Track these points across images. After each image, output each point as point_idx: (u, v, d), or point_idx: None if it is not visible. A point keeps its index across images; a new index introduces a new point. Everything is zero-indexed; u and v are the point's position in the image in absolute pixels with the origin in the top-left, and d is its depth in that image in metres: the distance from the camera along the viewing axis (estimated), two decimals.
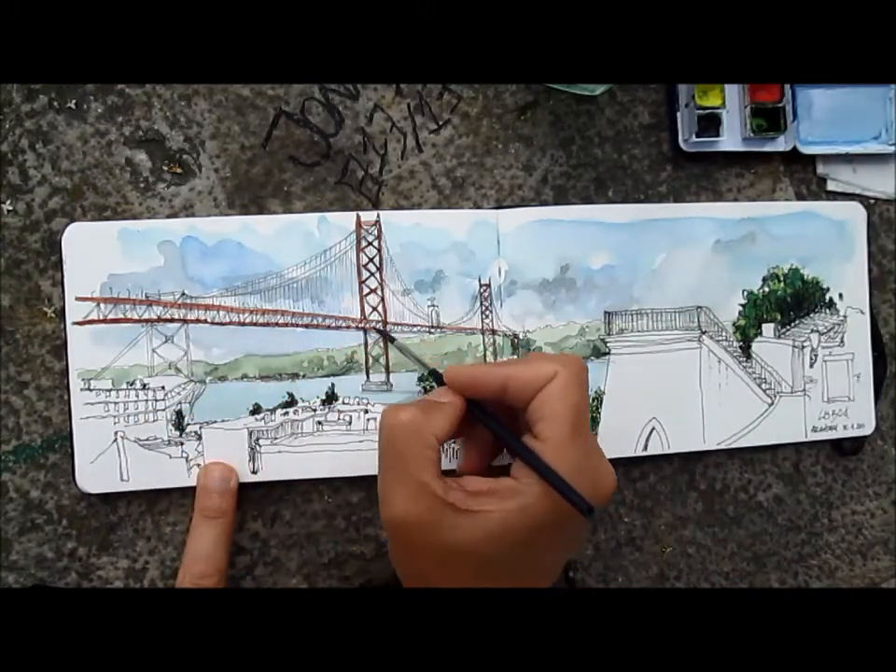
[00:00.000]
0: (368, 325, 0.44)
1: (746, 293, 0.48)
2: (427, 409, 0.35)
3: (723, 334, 0.48)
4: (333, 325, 0.44)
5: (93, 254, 0.42)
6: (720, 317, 0.48)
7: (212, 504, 0.41)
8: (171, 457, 0.42)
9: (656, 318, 0.47)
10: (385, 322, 0.44)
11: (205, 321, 0.43)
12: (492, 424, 0.37)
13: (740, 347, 0.48)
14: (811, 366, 0.49)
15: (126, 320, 0.42)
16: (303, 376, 0.43)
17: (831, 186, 0.50)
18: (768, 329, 0.48)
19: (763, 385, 0.48)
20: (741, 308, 0.48)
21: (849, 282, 0.49)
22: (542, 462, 0.34)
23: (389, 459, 0.35)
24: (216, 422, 0.43)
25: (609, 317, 0.47)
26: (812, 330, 0.49)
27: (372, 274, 0.44)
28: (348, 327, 0.44)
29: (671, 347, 0.47)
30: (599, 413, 0.46)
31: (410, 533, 0.34)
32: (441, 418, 0.35)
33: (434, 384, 0.42)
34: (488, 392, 0.36)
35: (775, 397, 0.48)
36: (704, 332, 0.48)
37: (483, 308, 0.45)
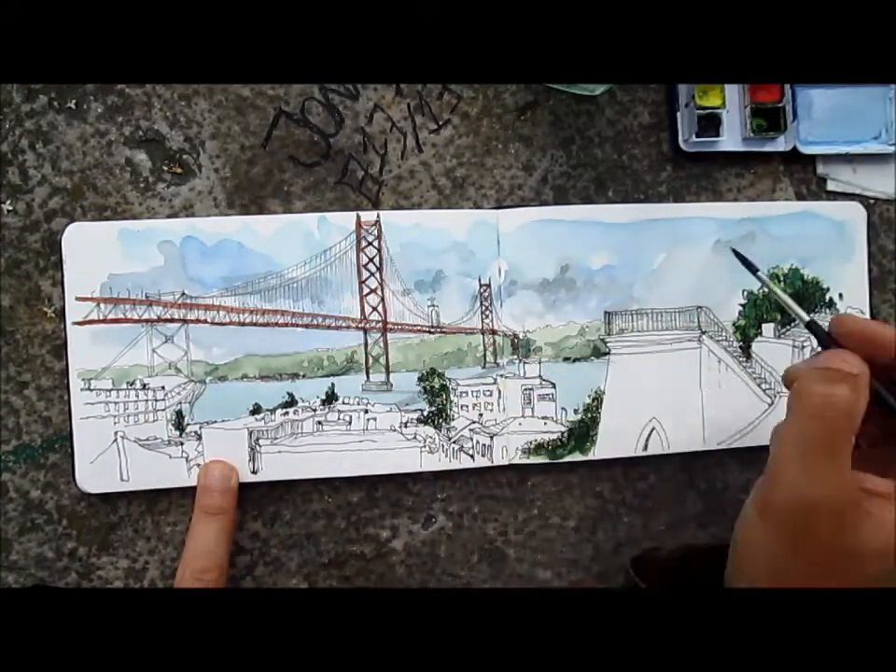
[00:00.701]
0: (367, 325, 0.44)
1: (746, 293, 0.48)
2: (856, 387, 0.31)
3: (723, 334, 0.48)
4: (333, 325, 0.44)
5: (93, 254, 0.42)
6: (720, 317, 0.48)
7: (212, 502, 0.41)
8: (171, 457, 0.42)
9: (656, 318, 0.47)
10: (384, 322, 0.44)
11: (205, 321, 0.43)
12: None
13: (740, 347, 0.48)
14: None
15: (126, 320, 0.42)
16: (303, 376, 0.43)
17: (831, 186, 0.50)
18: (768, 328, 0.48)
19: (763, 385, 0.48)
20: (741, 308, 0.48)
21: (849, 282, 0.49)
22: None
23: (814, 437, 0.31)
24: (216, 422, 0.43)
25: (609, 317, 0.47)
26: None
27: (372, 274, 0.44)
28: (348, 327, 0.44)
29: (671, 347, 0.47)
30: (599, 413, 0.46)
31: (815, 523, 0.30)
32: (863, 398, 0.31)
33: None
34: (886, 353, 0.31)
35: (775, 397, 0.48)
36: (704, 332, 0.48)
37: (483, 308, 0.45)
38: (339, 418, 0.44)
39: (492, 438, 0.45)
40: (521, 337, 0.46)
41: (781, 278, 0.48)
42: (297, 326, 0.43)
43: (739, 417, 0.48)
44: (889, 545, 0.30)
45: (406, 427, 0.44)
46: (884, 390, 0.32)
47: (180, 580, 0.39)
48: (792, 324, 0.49)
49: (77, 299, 0.41)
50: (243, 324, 0.43)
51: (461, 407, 0.45)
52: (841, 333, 0.33)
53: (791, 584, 0.32)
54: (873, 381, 0.31)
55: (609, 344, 0.46)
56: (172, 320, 0.42)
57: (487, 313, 0.45)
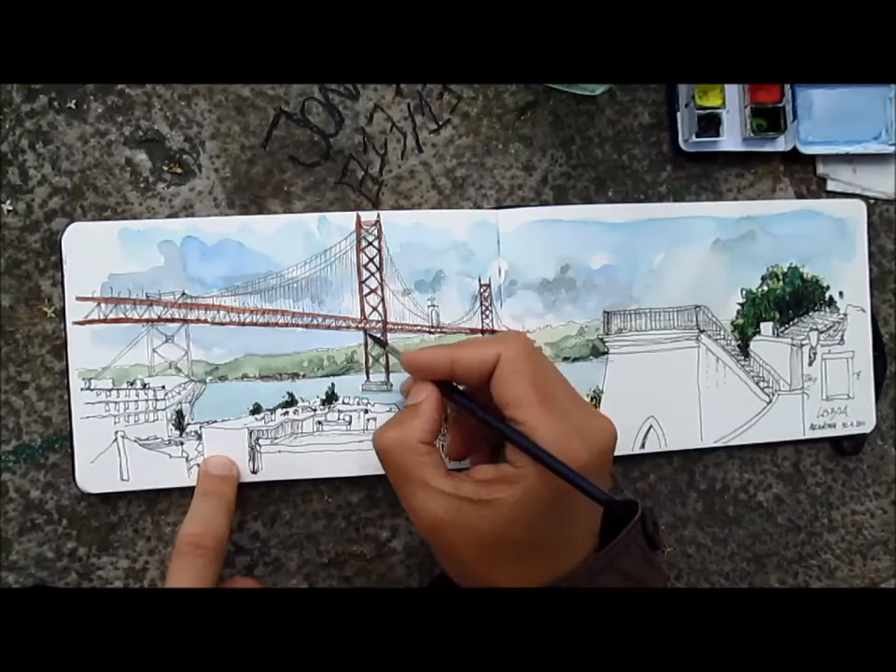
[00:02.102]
0: (367, 325, 0.44)
1: (745, 292, 0.48)
2: (404, 420, 0.37)
3: (722, 333, 0.48)
4: (333, 325, 0.44)
5: (93, 254, 0.42)
6: (718, 316, 0.48)
7: (212, 485, 0.41)
8: (171, 457, 0.42)
9: (655, 318, 0.47)
10: (384, 322, 0.44)
11: (206, 321, 0.43)
12: (472, 407, 0.37)
13: (738, 346, 0.48)
14: (810, 364, 0.49)
15: (126, 320, 0.42)
16: (303, 376, 0.43)
17: (831, 186, 0.50)
18: (766, 327, 0.49)
19: (762, 384, 0.48)
20: (739, 307, 0.48)
21: (850, 279, 0.49)
22: (526, 438, 0.34)
23: (395, 479, 0.36)
24: (216, 422, 0.43)
25: (608, 317, 0.47)
26: (811, 329, 0.49)
27: (372, 274, 0.44)
28: (348, 327, 0.44)
29: (669, 346, 0.47)
30: None
31: (442, 536, 0.35)
32: (420, 423, 0.36)
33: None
34: (439, 373, 0.37)
35: (773, 395, 0.48)
36: (702, 331, 0.48)
37: (483, 308, 0.45)
38: (339, 418, 0.44)
39: None
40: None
41: (780, 277, 0.48)
42: (297, 326, 0.43)
43: (737, 415, 0.48)
44: (513, 517, 0.34)
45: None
46: (463, 400, 0.37)
47: (177, 551, 0.38)
48: (791, 322, 0.49)
49: (78, 299, 0.41)
50: (243, 324, 0.43)
51: None
52: (406, 362, 0.38)
53: (472, 582, 0.36)
54: (449, 397, 0.37)
55: (607, 344, 0.47)
56: (172, 320, 0.42)
57: (487, 313, 0.45)
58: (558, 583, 0.35)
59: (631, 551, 0.36)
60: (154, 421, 0.42)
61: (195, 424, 0.43)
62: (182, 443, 0.42)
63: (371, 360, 0.44)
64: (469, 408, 0.37)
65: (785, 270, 0.48)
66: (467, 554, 0.35)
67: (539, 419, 0.34)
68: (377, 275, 0.44)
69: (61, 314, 0.42)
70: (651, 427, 0.47)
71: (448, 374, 0.37)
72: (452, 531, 0.34)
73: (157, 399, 0.42)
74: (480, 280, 0.45)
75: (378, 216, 0.44)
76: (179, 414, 0.43)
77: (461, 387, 0.38)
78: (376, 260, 0.44)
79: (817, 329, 0.49)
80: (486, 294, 0.45)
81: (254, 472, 0.43)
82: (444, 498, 0.34)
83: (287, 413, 0.43)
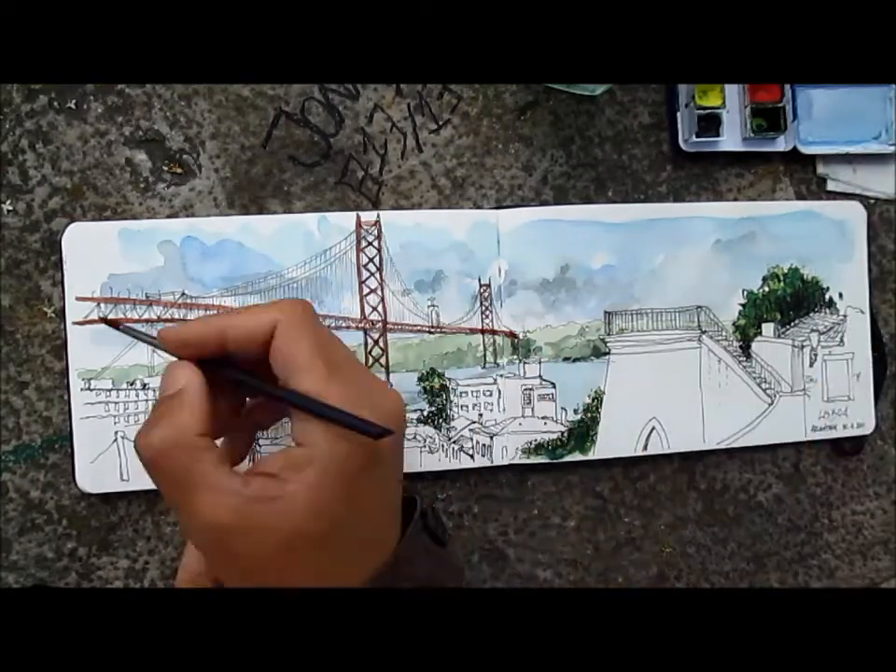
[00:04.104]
0: (367, 325, 0.44)
1: (746, 293, 0.48)
2: (170, 414, 0.30)
3: (723, 334, 0.48)
4: (333, 325, 0.44)
5: (93, 254, 0.42)
6: (719, 317, 0.48)
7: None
8: None
9: (656, 318, 0.47)
10: (384, 322, 0.44)
11: None
12: (246, 380, 0.32)
13: (740, 347, 0.48)
14: (811, 365, 0.49)
15: (126, 320, 0.42)
16: None
17: (831, 186, 0.50)
18: (768, 328, 0.48)
19: (763, 385, 0.48)
20: (741, 308, 0.48)
21: (849, 281, 0.49)
22: (311, 399, 0.30)
23: (172, 486, 0.30)
24: None
25: (609, 317, 0.47)
26: (812, 330, 0.49)
27: (372, 274, 0.44)
28: (348, 327, 0.44)
29: (671, 347, 0.47)
30: (599, 413, 0.46)
31: (230, 545, 0.29)
32: (189, 413, 0.30)
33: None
34: (209, 348, 0.31)
35: (774, 396, 0.48)
36: (704, 332, 0.48)
37: (483, 308, 0.45)
38: None
39: (492, 438, 0.45)
40: (521, 337, 0.46)
41: (781, 278, 0.48)
42: None
43: (739, 417, 0.48)
44: (310, 509, 0.29)
45: (406, 426, 0.44)
46: (234, 372, 0.32)
47: (178, 582, 0.39)
48: (792, 323, 0.49)
49: (78, 299, 0.41)
50: None
51: (461, 407, 0.45)
52: (161, 337, 0.32)
53: (260, 584, 0.31)
54: (219, 374, 0.32)
55: (608, 344, 0.46)
56: (172, 320, 0.42)
57: (487, 313, 0.45)
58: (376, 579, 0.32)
59: (414, 554, 0.33)
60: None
61: None
62: None
63: (370, 360, 0.44)
64: (244, 381, 0.32)
65: (785, 271, 0.48)
66: (260, 561, 0.30)
67: (322, 387, 0.30)
68: (377, 275, 0.44)
69: (61, 314, 0.42)
70: (653, 428, 0.47)
71: (219, 348, 0.31)
72: (242, 538, 0.29)
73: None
74: (480, 280, 0.45)
75: (378, 216, 0.44)
76: None
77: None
78: (376, 260, 0.44)
79: (817, 331, 0.49)
80: (486, 294, 0.45)
81: None
82: (232, 499, 0.29)
83: None
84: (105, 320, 0.36)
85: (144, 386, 0.42)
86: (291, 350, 0.31)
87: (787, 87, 0.47)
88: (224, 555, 0.30)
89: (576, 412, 0.46)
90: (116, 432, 0.42)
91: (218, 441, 0.32)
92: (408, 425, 0.44)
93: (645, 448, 0.47)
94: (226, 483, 0.29)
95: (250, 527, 0.29)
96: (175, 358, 0.32)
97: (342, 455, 0.30)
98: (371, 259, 0.44)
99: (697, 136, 0.46)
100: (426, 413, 0.45)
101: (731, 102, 0.47)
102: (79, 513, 0.43)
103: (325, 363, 0.31)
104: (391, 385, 0.44)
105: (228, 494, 0.29)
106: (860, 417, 0.49)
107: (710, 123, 0.46)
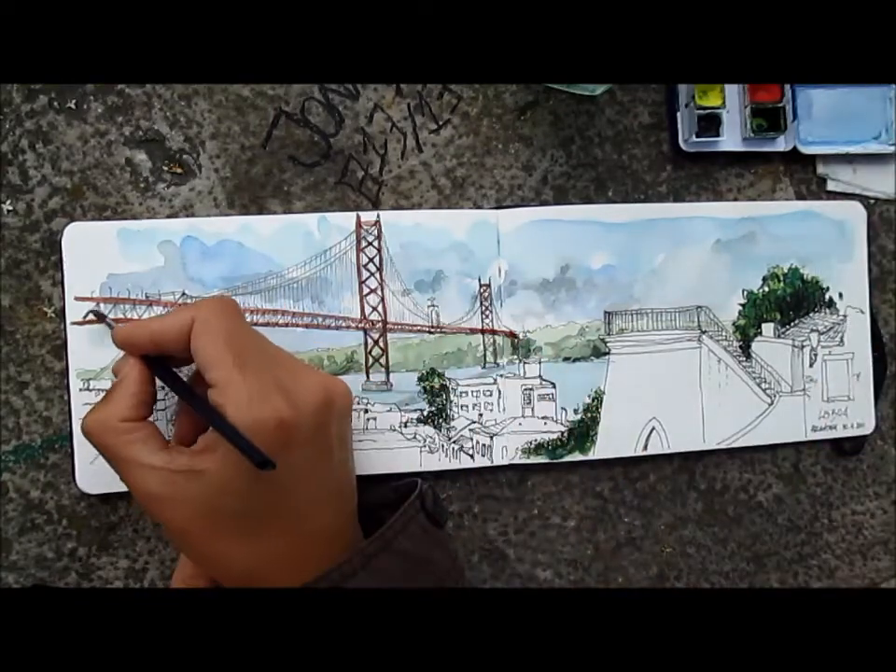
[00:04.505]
0: (367, 325, 0.44)
1: (746, 293, 0.48)
2: (106, 400, 0.35)
3: (723, 334, 0.48)
4: (333, 325, 0.44)
5: (93, 254, 0.42)
6: (719, 317, 0.48)
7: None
8: None
9: (656, 318, 0.47)
10: (384, 322, 0.44)
11: None
12: (167, 379, 0.36)
13: (740, 347, 0.48)
14: (811, 365, 0.49)
15: (126, 320, 0.42)
16: None
17: (831, 186, 0.50)
18: (768, 328, 0.48)
19: (763, 385, 0.48)
20: (741, 308, 0.48)
21: (849, 281, 0.49)
22: (204, 405, 0.33)
23: (107, 459, 0.34)
24: None
25: (609, 317, 0.47)
26: (812, 330, 0.49)
27: (372, 274, 0.44)
28: (348, 327, 0.44)
29: (671, 347, 0.47)
30: (599, 413, 0.46)
31: (160, 512, 0.33)
32: (121, 400, 0.34)
33: None
34: (145, 347, 0.35)
35: (774, 396, 0.48)
36: (704, 332, 0.48)
37: (483, 308, 0.45)
38: None
39: (492, 438, 0.45)
40: (521, 337, 0.46)
41: (781, 278, 0.48)
42: (297, 326, 0.43)
43: (739, 417, 0.48)
44: (221, 487, 0.32)
45: (406, 426, 0.44)
46: (160, 372, 0.36)
47: (173, 584, 0.39)
48: (792, 323, 0.49)
49: (77, 299, 0.41)
50: None
51: (461, 407, 0.45)
52: (114, 335, 0.36)
53: (190, 553, 0.36)
54: (160, 366, 0.36)
55: (608, 344, 0.47)
56: None
57: (487, 313, 0.45)
58: (334, 569, 0.33)
59: (410, 530, 0.35)
60: (154, 421, 0.42)
61: None
62: None
63: (370, 360, 0.44)
64: (161, 378, 0.36)
65: (785, 271, 0.48)
66: (187, 528, 0.33)
67: (229, 378, 0.32)
68: (377, 275, 0.44)
69: (61, 314, 0.42)
70: (653, 428, 0.47)
71: (152, 347, 0.35)
72: (168, 506, 0.33)
73: (157, 400, 0.42)
74: (480, 280, 0.45)
75: (378, 216, 0.44)
76: None
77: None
78: (376, 260, 0.44)
79: (817, 331, 0.49)
80: (486, 294, 0.45)
81: None
82: (157, 473, 0.33)
83: None
84: (95, 312, 0.41)
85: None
86: (202, 345, 0.33)
87: (787, 87, 0.47)
88: (162, 522, 0.34)
89: (576, 412, 0.46)
90: None
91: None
92: (407, 425, 0.44)
93: (645, 448, 0.47)
94: (153, 459, 0.33)
95: (176, 497, 0.33)
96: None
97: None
98: (371, 259, 0.44)
99: (697, 136, 0.46)
100: (426, 413, 0.45)
101: (731, 102, 0.47)
102: (79, 513, 0.43)
103: (234, 356, 0.33)
104: (391, 387, 0.44)
105: (153, 468, 0.33)
106: (860, 417, 0.49)
107: (710, 123, 0.46)
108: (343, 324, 0.44)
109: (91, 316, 0.41)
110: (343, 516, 0.36)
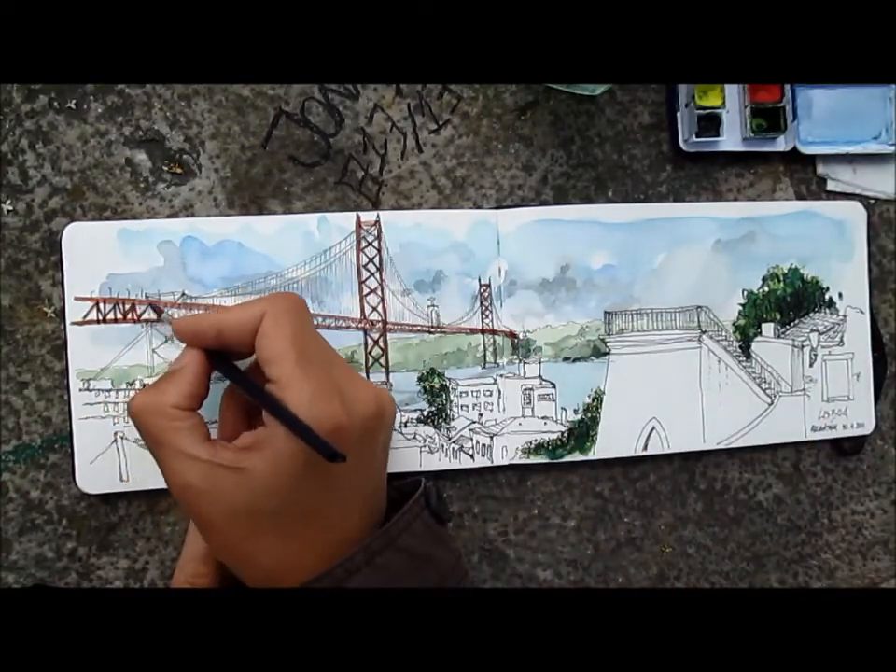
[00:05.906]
0: (367, 325, 0.44)
1: (746, 293, 0.48)
2: (160, 385, 0.35)
3: (723, 334, 0.48)
4: (333, 325, 0.44)
5: (93, 254, 0.42)
6: (719, 317, 0.48)
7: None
8: None
9: (656, 318, 0.47)
10: (384, 322, 0.44)
11: None
12: (230, 373, 0.36)
13: (740, 347, 0.48)
14: (811, 365, 0.49)
15: (126, 320, 0.42)
16: None
17: (831, 186, 0.50)
18: (768, 328, 0.48)
19: (763, 385, 0.48)
20: (741, 308, 0.48)
21: (849, 281, 0.49)
22: (271, 399, 0.32)
23: (148, 443, 0.34)
24: (215, 421, 0.43)
25: (609, 317, 0.47)
26: (812, 330, 0.49)
27: (372, 274, 0.44)
28: (348, 327, 0.44)
29: (671, 347, 0.47)
30: (599, 413, 0.46)
31: (194, 504, 0.33)
32: (176, 387, 0.34)
33: None
34: (209, 340, 0.35)
35: (774, 396, 0.48)
36: (704, 332, 0.48)
37: (483, 308, 0.45)
38: None
39: (492, 438, 0.45)
40: (521, 337, 0.46)
41: (781, 278, 0.48)
42: None
43: (739, 417, 0.48)
44: (264, 487, 0.32)
45: (406, 426, 0.44)
46: (219, 364, 0.36)
47: (175, 583, 0.39)
48: (792, 323, 0.49)
49: (76, 299, 0.41)
50: None
51: (461, 407, 0.45)
52: (175, 328, 0.36)
53: (223, 554, 0.35)
54: (219, 359, 0.36)
55: (608, 344, 0.47)
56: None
57: (487, 313, 0.45)
58: (338, 565, 0.33)
59: (414, 527, 0.35)
60: None
61: None
62: None
63: (370, 360, 0.44)
64: (224, 371, 0.36)
65: (785, 271, 0.48)
66: (221, 524, 0.33)
67: (292, 376, 0.32)
68: (377, 275, 0.44)
69: (61, 314, 0.42)
70: (653, 428, 0.47)
71: (217, 341, 0.35)
72: (204, 499, 0.33)
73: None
74: (480, 280, 0.45)
75: (378, 216, 0.44)
76: None
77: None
78: (376, 260, 0.44)
79: (817, 331, 0.49)
80: (486, 294, 0.45)
81: None
82: (199, 465, 0.32)
83: None
84: (154, 307, 0.42)
85: (144, 387, 0.42)
86: (268, 339, 0.33)
87: (787, 87, 0.47)
88: (191, 512, 0.34)
89: (576, 412, 0.46)
90: (115, 433, 0.42)
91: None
92: (407, 425, 0.44)
93: (645, 448, 0.47)
94: (197, 450, 0.33)
95: (214, 492, 0.33)
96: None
97: (293, 447, 0.32)
98: (370, 259, 0.44)
99: (697, 136, 0.46)
100: (426, 413, 0.45)
101: (731, 102, 0.47)
102: (79, 513, 0.43)
103: (298, 354, 0.33)
104: (391, 387, 0.44)
105: (195, 460, 0.33)
106: (860, 417, 0.49)
107: (710, 123, 0.46)
108: (343, 324, 0.44)
109: (149, 311, 0.42)
110: (370, 525, 0.36)
